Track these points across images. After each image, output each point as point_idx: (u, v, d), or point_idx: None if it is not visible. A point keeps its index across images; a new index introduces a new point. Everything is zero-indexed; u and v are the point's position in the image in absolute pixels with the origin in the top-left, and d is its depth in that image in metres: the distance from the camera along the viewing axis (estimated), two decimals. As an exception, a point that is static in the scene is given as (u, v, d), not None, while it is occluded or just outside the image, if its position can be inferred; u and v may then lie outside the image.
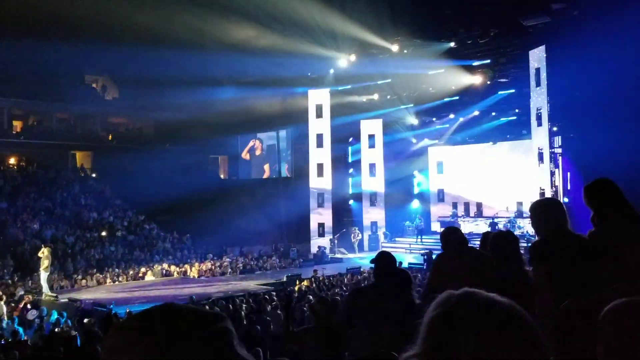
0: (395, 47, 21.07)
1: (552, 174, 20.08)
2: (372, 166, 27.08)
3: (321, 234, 25.63)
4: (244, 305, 11.43)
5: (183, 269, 21.27)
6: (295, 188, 27.58)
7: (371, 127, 27.16)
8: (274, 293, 13.84)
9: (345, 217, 27.51)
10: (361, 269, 17.98)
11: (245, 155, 34.22)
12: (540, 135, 20.46)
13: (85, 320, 12.14)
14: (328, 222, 25.79)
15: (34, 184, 25.57)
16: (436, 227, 26.39)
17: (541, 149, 20.16)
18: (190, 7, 21.19)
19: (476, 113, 25.99)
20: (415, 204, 28.99)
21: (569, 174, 20.41)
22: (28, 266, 18.61)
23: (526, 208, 24.50)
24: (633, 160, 13.76)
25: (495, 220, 22.98)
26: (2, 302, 13.52)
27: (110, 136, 32.68)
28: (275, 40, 21.42)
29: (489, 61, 21.68)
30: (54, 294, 15.72)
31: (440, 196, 28.43)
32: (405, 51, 21.37)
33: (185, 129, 31.10)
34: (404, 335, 1.17)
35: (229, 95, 27.52)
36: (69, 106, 30.25)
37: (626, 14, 14.61)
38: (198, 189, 24.34)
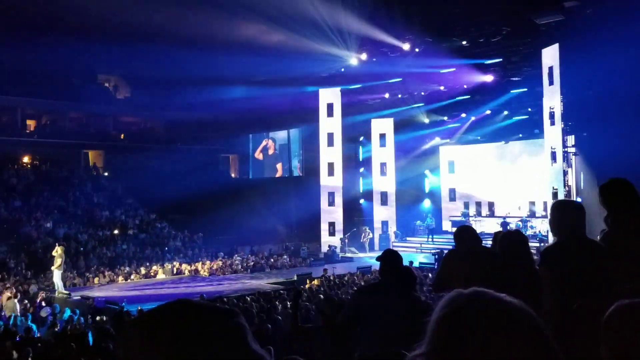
0: (406, 46, 20.96)
1: (565, 173, 19.85)
2: (383, 165, 26.98)
3: (332, 233, 25.58)
4: (254, 303, 11.45)
5: (194, 268, 21.38)
6: (306, 187, 27.55)
7: (382, 126, 27.08)
8: (284, 292, 13.86)
9: (355, 216, 27.42)
10: (372, 268, 17.92)
11: (258, 154, 34.22)
12: (553, 134, 20.22)
13: (98, 318, 12.31)
14: (339, 221, 25.73)
15: (47, 183, 25.85)
16: (447, 226, 26.28)
17: (554, 148, 19.94)
18: (202, 7, 21.26)
19: (488, 112, 25.77)
20: (427, 203, 28.90)
21: (582, 173, 20.18)
22: (41, 264, 18.85)
23: (538, 208, 24.38)
24: (648, 159, 13.57)
25: (507, 219, 22.80)
26: (16, 300, 13.69)
27: (122, 135, 32.92)
28: (286, 39, 21.41)
29: (501, 59, 21.51)
30: (67, 292, 15.88)
31: (452, 195, 28.29)
32: (416, 50, 21.25)
33: (196, 128, 31.29)
34: (408, 334, 1.17)
35: (240, 94, 27.56)
36: (81, 105, 30.54)
37: (640, 12, 14.43)
38: (209, 187, 24.39)
